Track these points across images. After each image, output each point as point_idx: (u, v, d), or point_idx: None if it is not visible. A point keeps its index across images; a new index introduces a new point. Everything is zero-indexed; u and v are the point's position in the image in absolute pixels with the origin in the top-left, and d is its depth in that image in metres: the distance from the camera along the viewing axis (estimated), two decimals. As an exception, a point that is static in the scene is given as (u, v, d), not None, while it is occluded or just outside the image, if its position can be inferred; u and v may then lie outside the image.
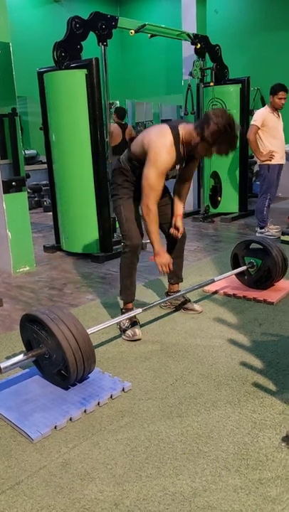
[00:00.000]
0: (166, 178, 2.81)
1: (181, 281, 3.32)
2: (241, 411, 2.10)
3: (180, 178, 3.06)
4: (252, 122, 5.28)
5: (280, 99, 5.11)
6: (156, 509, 1.57)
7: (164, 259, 2.84)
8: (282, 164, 5.39)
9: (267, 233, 5.42)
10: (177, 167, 2.83)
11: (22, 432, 2.00)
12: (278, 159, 5.28)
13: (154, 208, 2.72)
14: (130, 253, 2.86)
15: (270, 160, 5.25)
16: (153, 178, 2.64)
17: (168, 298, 3.17)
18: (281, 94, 5.11)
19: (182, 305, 3.29)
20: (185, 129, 2.67)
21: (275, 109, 5.24)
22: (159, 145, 2.62)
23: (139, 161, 2.75)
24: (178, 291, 3.26)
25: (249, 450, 1.84)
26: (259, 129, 5.20)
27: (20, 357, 2.23)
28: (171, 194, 3.12)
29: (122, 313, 3.02)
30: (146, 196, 2.69)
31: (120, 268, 2.96)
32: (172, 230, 3.08)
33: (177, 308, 3.30)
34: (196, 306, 3.28)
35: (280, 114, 5.35)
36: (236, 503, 1.58)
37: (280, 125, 5.33)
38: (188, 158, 2.84)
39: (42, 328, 2.21)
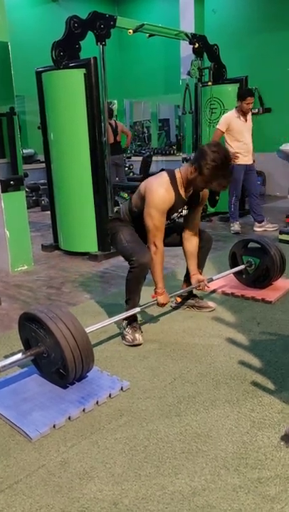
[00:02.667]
0: (173, 220, 2.87)
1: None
2: (240, 410, 2.10)
3: (185, 226, 2.99)
4: (217, 126, 5.64)
5: (248, 104, 5.34)
6: (155, 508, 1.57)
7: (165, 300, 2.86)
8: (249, 164, 5.61)
9: (232, 228, 5.74)
10: (180, 211, 2.84)
11: (21, 431, 1.99)
12: (243, 160, 5.53)
13: (161, 247, 2.74)
14: (139, 269, 2.71)
15: (234, 161, 5.48)
16: (155, 216, 2.66)
17: (172, 294, 3.15)
18: (249, 99, 5.34)
19: (196, 304, 3.29)
20: (181, 170, 2.74)
21: (244, 113, 5.42)
22: (155, 185, 2.67)
23: (140, 211, 2.77)
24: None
25: (248, 449, 1.84)
26: (223, 133, 5.50)
27: (19, 356, 2.22)
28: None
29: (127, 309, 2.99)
30: (153, 235, 2.70)
31: (127, 282, 2.82)
32: (200, 287, 3.08)
33: (190, 307, 3.31)
34: (210, 303, 3.31)
35: (248, 119, 5.52)
36: (235, 502, 1.58)
37: (246, 129, 5.51)
38: (190, 202, 2.85)
39: (40, 327, 2.21)
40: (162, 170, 2.80)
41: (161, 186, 2.66)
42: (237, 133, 5.47)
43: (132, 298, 2.84)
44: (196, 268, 3.07)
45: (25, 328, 2.33)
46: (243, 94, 5.41)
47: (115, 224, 2.97)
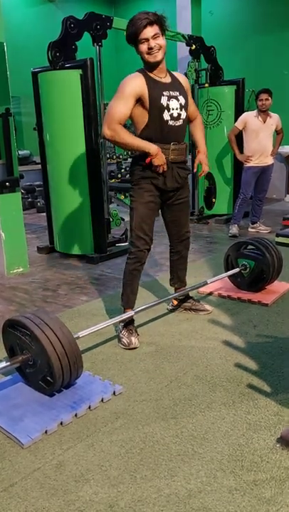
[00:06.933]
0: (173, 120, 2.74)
1: (185, 285, 3.30)
2: (236, 412, 2.10)
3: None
4: (234, 124, 5.68)
5: (260, 100, 5.33)
6: (151, 511, 1.57)
7: (162, 158, 2.67)
8: (262, 166, 5.54)
9: (230, 231, 5.71)
10: (175, 106, 2.74)
11: (12, 437, 1.98)
12: (255, 162, 5.50)
13: (115, 127, 2.61)
14: (134, 260, 2.83)
15: (246, 163, 5.53)
16: (113, 103, 2.71)
17: (164, 299, 3.17)
18: (261, 95, 5.32)
19: (192, 307, 3.29)
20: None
21: (262, 112, 5.38)
22: (124, 78, 2.78)
23: (141, 132, 2.74)
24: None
25: (244, 451, 1.84)
26: (239, 130, 5.53)
27: (3, 364, 2.19)
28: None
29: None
30: (104, 124, 2.67)
31: (124, 274, 2.91)
32: (196, 166, 3.17)
33: (187, 310, 3.31)
34: (207, 306, 3.30)
35: (268, 119, 5.43)
36: (231, 505, 1.58)
37: (262, 129, 5.44)
38: (177, 88, 2.87)
39: (26, 334, 2.15)
40: None
41: (129, 77, 2.78)
42: (251, 132, 5.43)
43: (125, 294, 2.90)
44: (203, 145, 3.13)
45: (9, 335, 2.28)
46: (258, 91, 5.38)
47: (136, 177, 2.78)
